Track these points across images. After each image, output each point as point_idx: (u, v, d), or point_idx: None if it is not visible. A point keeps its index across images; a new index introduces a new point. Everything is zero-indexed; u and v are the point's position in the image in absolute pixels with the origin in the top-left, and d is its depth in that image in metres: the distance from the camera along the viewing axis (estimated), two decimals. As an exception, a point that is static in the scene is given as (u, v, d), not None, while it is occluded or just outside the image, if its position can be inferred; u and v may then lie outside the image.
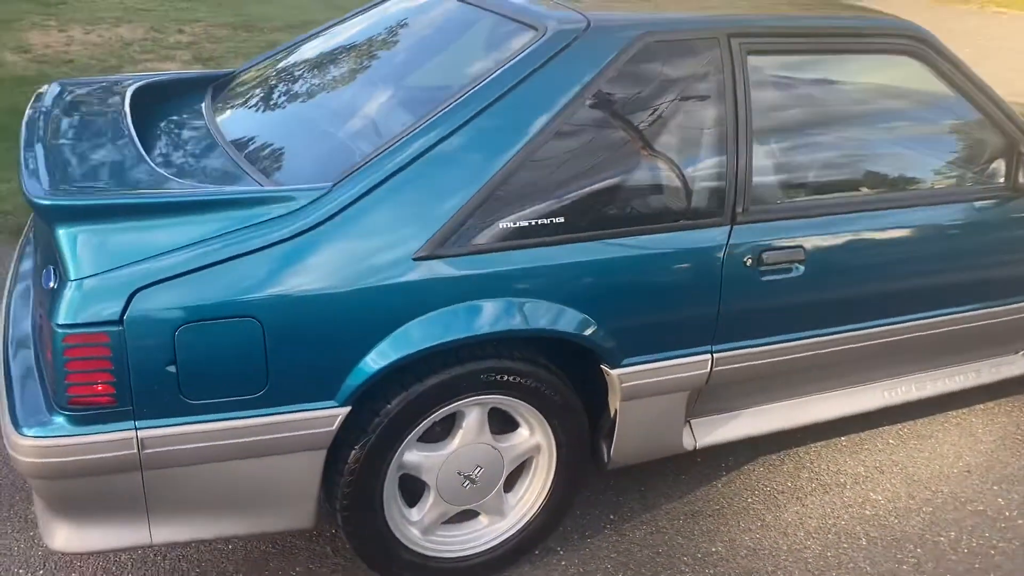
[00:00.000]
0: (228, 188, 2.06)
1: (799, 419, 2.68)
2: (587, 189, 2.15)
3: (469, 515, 2.34)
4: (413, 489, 2.24)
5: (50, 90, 2.71)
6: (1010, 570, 2.48)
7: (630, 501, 2.69)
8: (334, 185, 1.96)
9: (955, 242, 2.63)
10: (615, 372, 2.24)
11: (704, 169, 2.28)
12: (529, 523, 2.35)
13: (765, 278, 2.33)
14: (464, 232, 2.02)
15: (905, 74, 2.64)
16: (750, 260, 2.30)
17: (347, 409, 1.98)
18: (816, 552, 2.51)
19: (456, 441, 2.19)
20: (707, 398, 2.48)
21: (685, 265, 2.25)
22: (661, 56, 2.25)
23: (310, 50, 2.81)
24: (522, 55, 2.17)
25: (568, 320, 2.12)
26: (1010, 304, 2.78)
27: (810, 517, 2.65)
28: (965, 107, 2.65)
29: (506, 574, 2.37)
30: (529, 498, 2.36)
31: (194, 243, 1.84)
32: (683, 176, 2.26)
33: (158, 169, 2.06)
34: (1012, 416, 3.21)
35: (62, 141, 2.26)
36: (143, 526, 1.96)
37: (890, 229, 2.51)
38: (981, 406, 3.27)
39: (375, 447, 2.07)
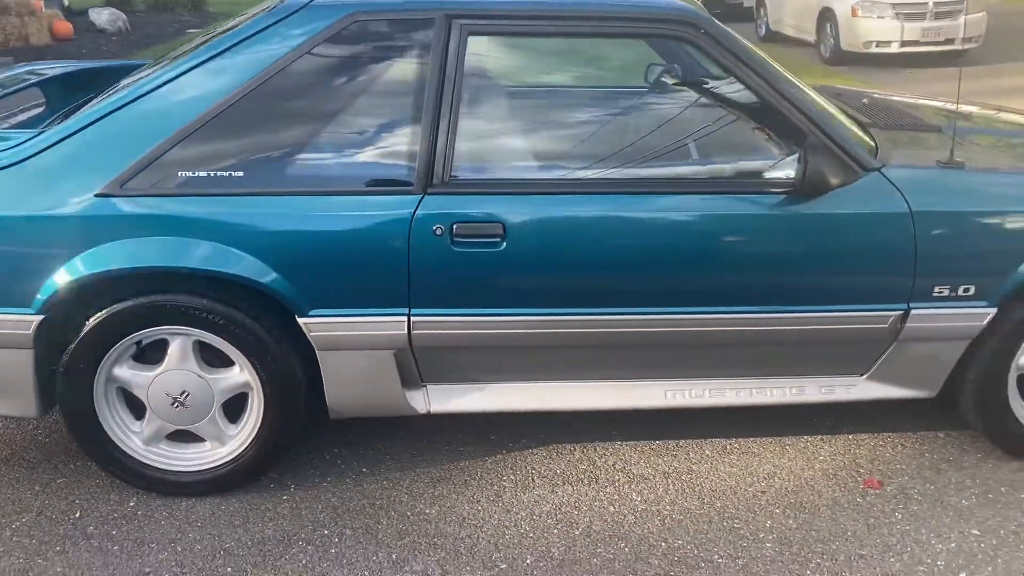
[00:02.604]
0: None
1: (552, 403, 2.67)
2: (275, 149, 2.40)
3: (198, 438, 2.63)
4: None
5: (18, 67, 3.40)
6: (708, 584, 2.33)
7: (391, 460, 2.84)
8: (40, 130, 2.38)
9: (714, 236, 2.48)
10: (302, 320, 2.44)
11: (398, 141, 2.42)
12: (243, 454, 2.61)
13: (458, 249, 2.41)
14: (145, 176, 2.35)
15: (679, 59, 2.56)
16: (440, 230, 2.39)
17: (40, 317, 2.38)
18: (522, 531, 2.51)
19: (163, 366, 2.51)
20: (433, 363, 2.58)
21: (370, 228, 2.40)
22: (370, 33, 2.44)
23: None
24: (241, 26, 2.47)
25: (241, 265, 2.37)
26: (805, 312, 2.56)
27: (547, 502, 2.64)
28: (747, 97, 2.52)
29: (223, 496, 2.64)
30: (245, 431, 2.61)
31: (-70, 169, 2.35)
32: (376, 146, 2.43)
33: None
34: (876, 452, 2.90)
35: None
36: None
37: (621, 214, 2.46)
38: (850, 436, 2.98)
39: (78, 356, 2.45)
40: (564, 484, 2.73)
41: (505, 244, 2.42)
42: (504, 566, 2.38)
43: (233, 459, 2.61)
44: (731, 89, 2.53)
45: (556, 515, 2.58)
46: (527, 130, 2.56)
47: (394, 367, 2.54)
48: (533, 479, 2.75)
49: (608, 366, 2.67)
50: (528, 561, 2.40)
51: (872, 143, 2.69)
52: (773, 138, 2.57)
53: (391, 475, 2.77)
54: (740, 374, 2.72)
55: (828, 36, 11.56)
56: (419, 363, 2.58)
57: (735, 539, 2.49)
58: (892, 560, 2.41)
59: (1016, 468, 2.80)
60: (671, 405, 2.71)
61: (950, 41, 10.97)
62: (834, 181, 2.44)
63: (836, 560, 2.40)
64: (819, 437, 2.97)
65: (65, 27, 12.58)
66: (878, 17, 10.84)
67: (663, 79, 3.02)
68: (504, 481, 2.74)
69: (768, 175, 2.52)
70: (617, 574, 2.35)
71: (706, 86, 2.60)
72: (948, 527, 2.53)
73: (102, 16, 13.82)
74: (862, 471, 2.80)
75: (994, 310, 2.59)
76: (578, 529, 2.53)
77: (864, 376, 2.74)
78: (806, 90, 2.89)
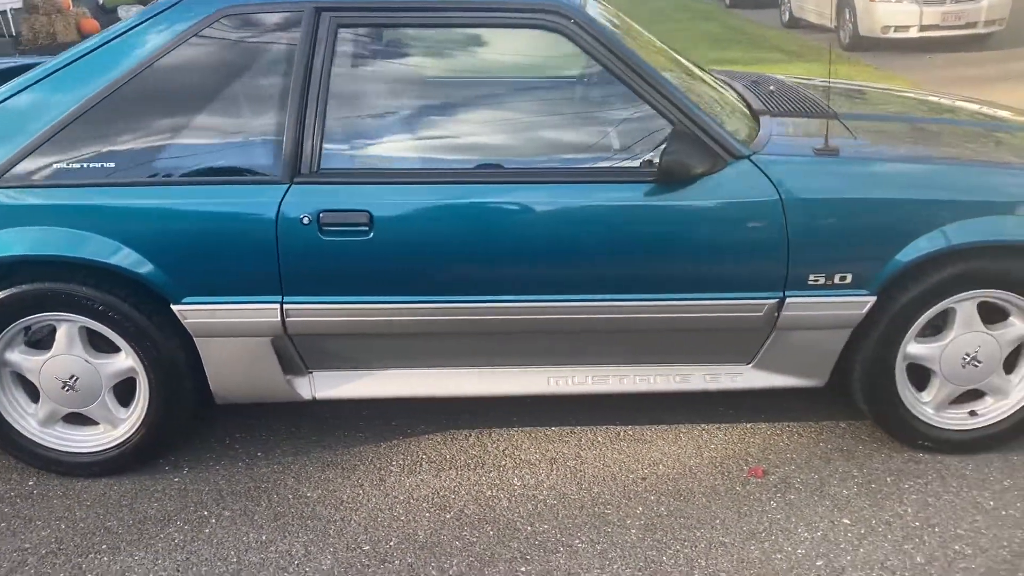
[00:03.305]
0: None
1: (436, 389, 2.71)
2: (147, 141, 2.48)
3: (94, 421, 2.73)
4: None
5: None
6: (549, 568, 2.35)
7: (288, 444, 2.91)
8: (-73, 125, 2.49)
9: (583, 225, 2.49)
10: (175, 307, 2.52)
11: (267, 132, 2.48)
12: (133, 437, 2.70)
13: (327, 238, 2.46)
14: (22, 168, 2.45)
15: (556, 50, 2.57)
16: (307, 219, 2.45)
17: None
18: (395, 514, 2.56)
19: (51, 351, 2.61)
20: (314, 350, 2.64)
21: (238, 218, 2.46)
22: (241, 26, 2.51)
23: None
24: (123, 23, 2.55)
25: (116, 254, 2.45)
26: (680, 300, 2.55)
27: (428, 487, 2.69)
28: (618, 86, 2.52)
29: (117, 476, 2.74)
30: (135, 414, 2.69)
31: None
32: (246, 137, 2.49)
33: None
34: (770, 441, 2.89)
35: None
36: None
37: (489, 203, 2.48)
38: (748, 424, 2.98)
39: (-31, 341, 2.56)
40: (449, 469, 2.77)
41: (372, 233, 2.46)
42: (367, 548, 2.44)
43: (124, 441, 2.70)
44: (605, 78, 2.53)
45: (433, 499, 2.63)
46: (397, 120, 2.59)
47: (272, 354, 2.61)
48: (421, 464, 2.80)
49: (489, 353, 2.70)
50: (391, 543, 2.45)
51: (753, 131, 2.68)
52: (644, 127, 2.56)
53: (284, 459, 2.84)
54: (623, 361, 2.73)
55: (847, 21, 11.36)
56: (299, 350, 2.64)
57: (601, 525, 2.51)
58: (752, 547, 2.41)
59: (908, 458, 2.77)
60: (554, 392, 2.73)
61: (972, 25, 10.68)
62: (697, 169, 2.44)
63: (696, 547, 2.41)
64: (715, 425, 2.97)
65: (92, 25, 12.88)
66: (896, 1, 10.60)
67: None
68: (392, 466, 2.79)
69: (637, 164, 2.52)
70: (474, 556, 2.39)
71: (582, 75, 2.61)
72: (820, 516, 2.52)
73: (130, 13, 14.09)
74: (750, 459, 2.79)
75: (873, 298, 2.56)
76: (450, 513, 2.57)
77: (750, 365, 2.73)
78: (700, 75, 2.90)
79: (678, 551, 2.40)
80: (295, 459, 2.84)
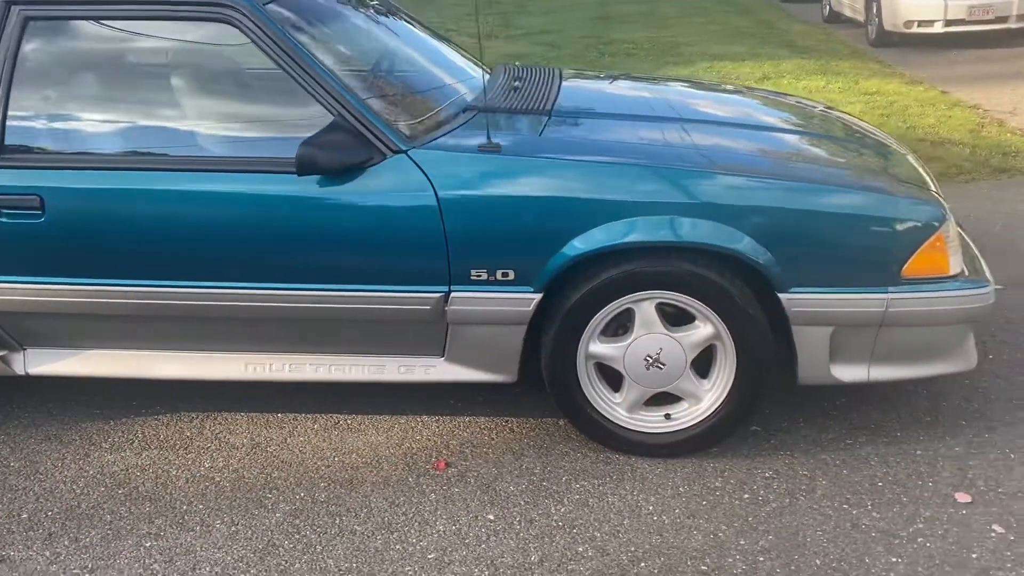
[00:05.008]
0: None
1: (140, 371, 2.82)
2: None
3: None
4: None
5: None
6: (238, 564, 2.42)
7: (26, 417, 3.05)
8: None
9: (243, 214, 2.55)
10: None
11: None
12: None
13: (2, 220, 2.59)
14: None
15: (236, 42, 2.64)
16: (-16, 202, 2.59)
17: None
18: (74, 488, 2.67)
19: None
20: (16, 328, 2.78)
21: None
22: (-60, 22, 2.66)
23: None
24: None
25: None
26: (348, 291, 2.58)
27: (123, 464, 2.78)
28: (285, 78, 2.57)
29: None
30: None
31: None
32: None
33: None
34: (478, 435, 2.89)
35: None
36: None
37: (155, 189, 2.57)
38: (468, 418, 2.97)
39: None
40: (153, 448, 2.86)
41: (44, 216, 2.58)
42: (25, 516, 2.56)
43: None
44: (279, 72, 2.58)
45: (118, 476, 2.73)
46: (75, 108, 2.70)
47: (-29, 329, 2.76)
48: (132, 443, 2.90)
49: (182, 337, 2.78)
50: (51, 513, 2.57)
51: (441, 125, 2.68)
52: (312, 119, 2.59)
53: (13, 431, 2.98)
54: (317, 350, 2.77)
55: (873, 16, 10.93)
56: (8, 329, 2.78)
57: (254, 508, 2.56)
58: (378, 537, 2.42)
59: (601, 459, 2.72)
60: (251, 378, 2.80)
61: (1002, 19, 10.10)
62: (347, 161, 2.47)
63: (324, 534, 2.44)
64: (434, 417, 2.97)
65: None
66: (919, -7, 10.13)
67: None
68: (104, 443, 2.91)
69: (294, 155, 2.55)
70: (112, 530, 2.48)
71: (260, 67, 2.66)
72: (469, 510, 2.51)
73: None
74: (445, 452, 2.79)
75: (539, 295, 2.54)
76: (123, 489, 2.66)
77: (443, 358, 2.74)
78: (434, 69, 2.92)
79: (303, 536, 2.43)
80: (23, 431, 2.98)
